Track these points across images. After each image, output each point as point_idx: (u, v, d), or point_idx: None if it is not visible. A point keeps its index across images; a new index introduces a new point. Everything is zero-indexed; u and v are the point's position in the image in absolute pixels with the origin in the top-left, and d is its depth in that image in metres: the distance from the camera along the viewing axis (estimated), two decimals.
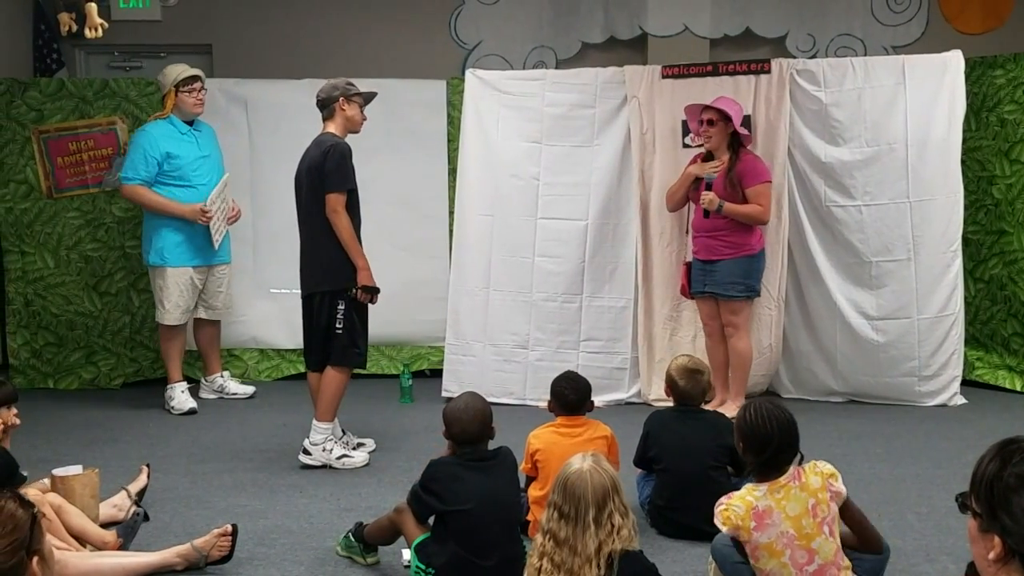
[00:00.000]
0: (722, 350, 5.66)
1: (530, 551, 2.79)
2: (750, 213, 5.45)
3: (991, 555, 1.68)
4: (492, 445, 3.47)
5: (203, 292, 6.09)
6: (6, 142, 6.41)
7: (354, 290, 4.70)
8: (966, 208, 5.91)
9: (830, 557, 2.87)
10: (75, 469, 3.82)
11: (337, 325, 4.71)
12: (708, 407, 4.30)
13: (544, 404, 4.06)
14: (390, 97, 6.03)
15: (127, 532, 3.71)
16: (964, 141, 5.92)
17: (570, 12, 7.46)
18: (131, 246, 6.44)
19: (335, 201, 4.64)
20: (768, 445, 2.91)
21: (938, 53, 5.88)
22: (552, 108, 6.02)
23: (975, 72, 6.19)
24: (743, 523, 2.87)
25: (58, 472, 3.78)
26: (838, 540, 2.92)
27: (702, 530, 3.46)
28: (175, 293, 5.92)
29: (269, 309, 6.60)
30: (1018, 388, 6.11)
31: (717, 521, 2.91)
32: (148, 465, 4.37)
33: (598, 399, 4.18)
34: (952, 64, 5.79)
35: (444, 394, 5.95)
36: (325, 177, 4.64)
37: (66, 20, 5.59)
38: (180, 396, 5.96)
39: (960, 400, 5.86)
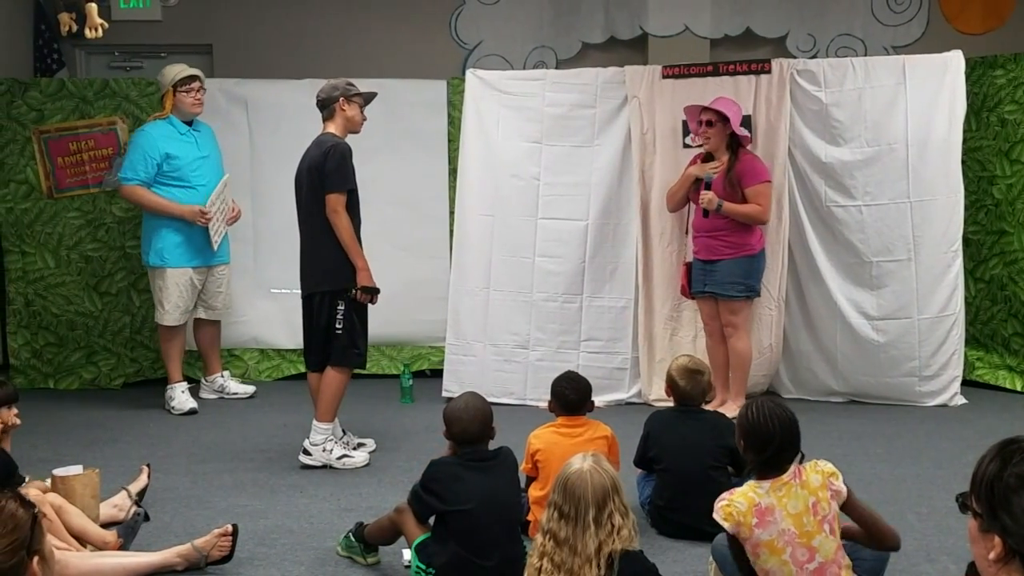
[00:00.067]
0: (723, 350, 5.66)
1: (530, 551, 2.79)
2: (749, 213, 5.45)
3: (991, 555, 1.68)
4: (493, 445, 3.47)
5: (203, 292, 6.09)
6: (7, 142, 6.42)
7: (354, 291, 4.70)
8: (966, 208, 5.91)
9: (830, 555, 2.87)
10: (75, 469, 3.81)
11: (337, 325, 4.71)
12: (708, 407, 4.30)
13: (544, 404, 4.06)
14: (390, 97, 6.03)
15: (127, 532, 3.71)
16: (964, 141, 5.92)
17: (570, 12, 7.46)
18: (131, 246, 6.44)
19: (335, 201, 4.64)
20: (769, 443, 2.91)
21: (938, 53, 5.88)
22: (552, 108, 6.02)
23: (975, 72, 6.19)
24: (744, 520, 2.87)
25: (58, 472, 3.78)
26: (838, 539, 2.92)
27: (702, 530, 3.46)
28: (174, 294, 5.92)
29: (270, 309, 6.60)
30: (1018, 388, 6.11)
31: (718, 516, 2.91)
32: (148, 465, 4.37)
33: (598, 399, 4.18)
34: (952, 64, 5.79)
35: (444, 394, 5.95)
36: (325, 177, 4.64)
37: (66, 20, 5.59)
38: (180, 396, 5.97)
39: (960, 400, 5.86)
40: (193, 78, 5.89)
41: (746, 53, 7.14)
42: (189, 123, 5.95)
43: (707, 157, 5.61)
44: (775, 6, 7.41)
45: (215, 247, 5.95)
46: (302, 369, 5.33)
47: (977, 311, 6.34)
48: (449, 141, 6.62)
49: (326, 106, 4.80)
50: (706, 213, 5.49)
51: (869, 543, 3.01)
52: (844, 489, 2.92)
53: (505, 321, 6.04)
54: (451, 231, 6.43)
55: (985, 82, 6.22)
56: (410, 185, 6.59)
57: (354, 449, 4.93)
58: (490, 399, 3.75)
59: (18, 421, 3.83)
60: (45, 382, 6.57)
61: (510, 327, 6.04)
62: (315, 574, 3.56)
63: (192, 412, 5.91)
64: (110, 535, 3.63)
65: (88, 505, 3.73)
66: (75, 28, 5.53)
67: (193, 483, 4.59)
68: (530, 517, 3.69)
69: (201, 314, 6.16)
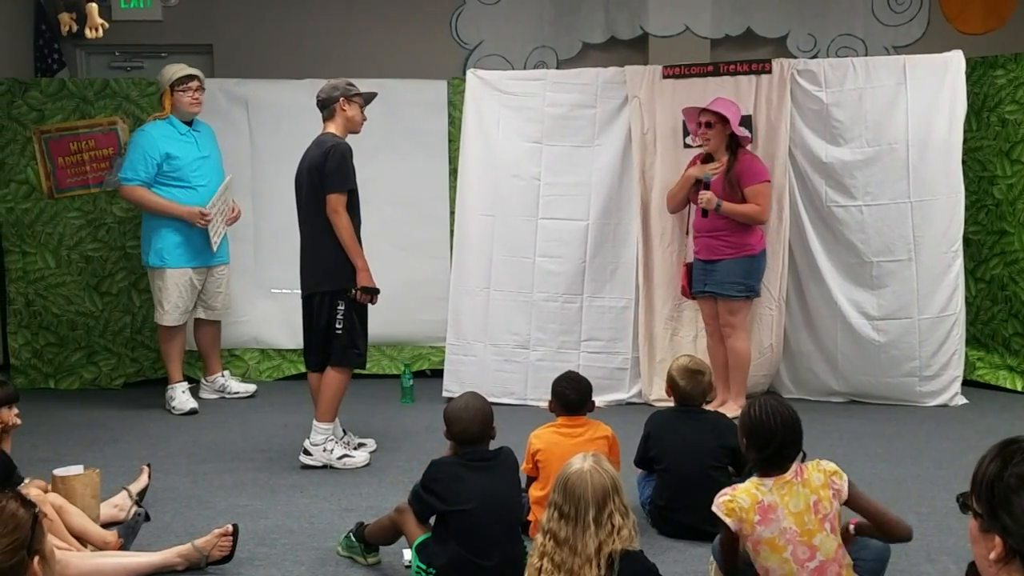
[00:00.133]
0: (724, 350, 5.66)
1: (531, 551, 2.79)
2: (748, 212, 5.45)
3: (992, 555, 1.68)
4: (493, 445, 3.47)
5: (202, 293, 6.09)
6: (7, 142, 6.42)
7: (354, 291, 4.70)
8: (967, 208, 5.91)
9: (831, 554, 2.87)
10: (76, 469, 3.82)
11: (337, 325, 4.71)
12: (709, 407, 4.30)
13: (545, 404, 4.06)
14: (391, 97, 6.03)
15: (128, 532, 3.71)
16: (965, 141, 5.91)
17: (571, 12, 7.46)
18: (132, 246, 6.44)
19: (335, 201, 4.64)
20: (771, 441, 2.92)
21: (939, 53, 5.88)
22: (553, 108, 6.02)
23: (976, 72, 6.19)
24: (747, 516, 2.87)
25: (59, 472, 3.78)
26: (839, 537, 2.92)
27: (703, 530, 3.46)
28: (174, 294, 5.92)
29: (270, 309, 6.60)
30: (1019, 388, 6.11)
31: (719, 511, 2.91)
32: (149, 465, 4.37)
33: (599, 399, 4.18)
34: (953, 64, 5.79)
35: (445, 394, 5.95)
36: (326, 177, 4.64)
37: (67, 20, 5.58)
38: (181, 396, 5.97)
39: (961, 400, 5.86)
40: (190, 77, 5.88)
41: (747, 53, 7.14)
42: (189, 123, 5.95)
43: (707, 158, 5.61)
44: (776, 6, 7.41)
45: (214, 248, 5.95)
46: (302, 369, 5.33)
47: (978, 311, 6.34)
48: (449, 141, 6.62)
49: (326, 106, 4.80)
50: (705, 213, 5.49)
51: (880, 536, 3.02)
52: (845, 488, 2.92)
53: (505, 321, 6.04)
54: (451, 231, 6.43)
55: (985, 82, 6.22)
56: (410, 185, 6.59)
57: (355, 449, 4.93)
58: (490, 399, 3.75)
59: (18, 421, 3.83)
60: (46, 382, 6.57)
61: (510, 327, 6.04)
62: (315, 574, 3.56)
63: (193, 412, 5.91)
64: (111, 535, 3.63)
65: (89, 505, 3.73)
66: (75, 28, 5.52)
67: (193, 483, 4.59)
68: (531, 517, 3.69)
69: (201, 314, 6.16)
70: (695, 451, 3.83)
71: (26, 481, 3.67)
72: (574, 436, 3.79)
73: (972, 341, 6.26)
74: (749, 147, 5.67)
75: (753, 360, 5.72)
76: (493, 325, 6.06)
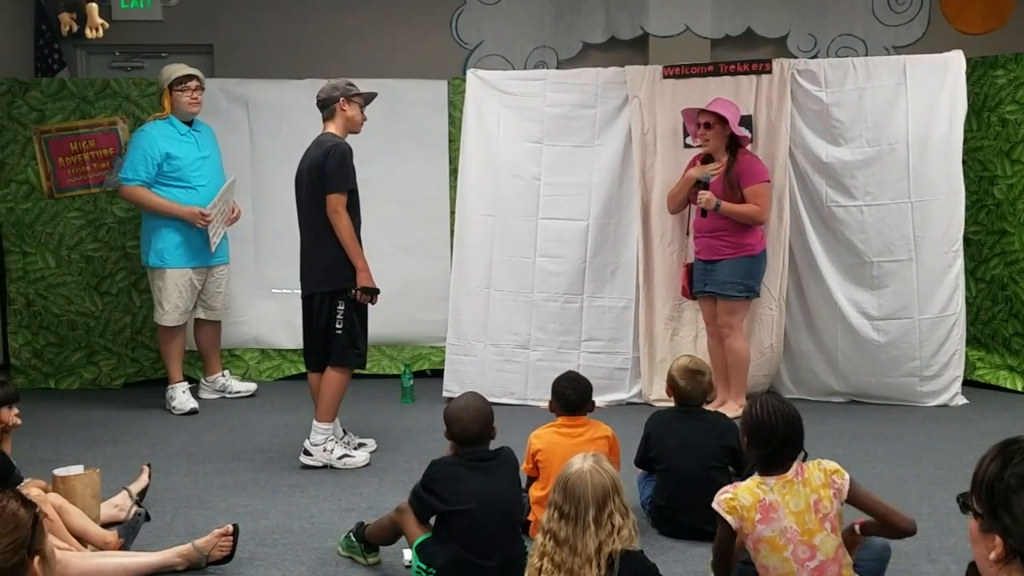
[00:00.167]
0: (724, 350, 5.66)
1: (531, 551, 2.79)
2: (747, 212, 5.45)
3: (992, 555, 1.68)
4: (493, 445, 3.47)
5: (202, 293, 6.09)
6: (7, 142, 6.42)
7: (354, 291, 4.69)
8: (967, 208, 5.91)
9: (831, 554, 2.87)
10: (76, 469, 3.81)
11: (337, 326, 4.71)
12: (709, 407, 4.30)
13: (545, 404, 4.06)
14: (391, 97, 6.04)
15: (128, 532, 3.71)
16: (965, 141, 5.92)
17: (571, 12, 7.46)
18: (132, 246, 6.44)
19: (336, 201, 4.64)
20: (772, 439, 2.92)
21: (939, 53, 5.89)
22: (553, 108, 6.02)
23: (976, 72, 6.19)
24: (748, 515, 2.87)
25: (59, 472, 3.78)
26: (840, 537, 2.92)
27: (703, 530, 3.45)
28: (174, 294, 5.92)
29: (270, 309, 6.60)
30: (1019, 388, 6.11)
31: (720, 508, 2.91)
32: (149, 465, 4.37)
33: (599, 399, 4.18)
34: (953, 64, 5.79)
35: (445, 394, 5.95)
36: (326, 177, 4.64)
37: (67, 20, 5.58)
38: (181, 396, 5.97)
39: (961, 400, 5.86)
40: (189, 77, 5.87)
41: (747, 53, 7.14)
42: (189, 123, 5.95)
43: (707, 158, 5.61)
44: (776, 6, 7.42)
45: (213, 248, 5.95)
46: (303, 369, 5.33)
47: (978, 311, 6.33)
48: (450, 141, 6.62)
49: (326, 106, 4.80)
50: (704, 213, 5.49)
51: (885, 532, 3.02)
52: (846, 487, 2.92)
53: (506, 321, 6.04)
54: (452, 231, 6.43)
55: (986, 82, 6.22)
56: (410, 185, 6.59)
57: (355, 449, 4.93)
58: (491, 399, 3.75)
59: (19, 421, 3.83)
60: (46, 382, 6.57)
61: (511, 327, 6.04)
62: (316, 574, 3.56)
63: (193, 412, 5.91)
64: (111, 535, 3.63)
65: (89, 505, 3.73)
66: (76, 28, 5.52)
67: (194, 483, 4.59)
68: (531, 517, 3.69)
69: (201, 314, 6.16)
70: (695, 451, 3.83)
71: (26, 481, 3.68)
72: (574, 436, 3.79)
73: (972, 341, 6.26)
74: (749, 147, 5.67)
75: (753, 360, 5.72)
76: (493, 325, 6.06)
